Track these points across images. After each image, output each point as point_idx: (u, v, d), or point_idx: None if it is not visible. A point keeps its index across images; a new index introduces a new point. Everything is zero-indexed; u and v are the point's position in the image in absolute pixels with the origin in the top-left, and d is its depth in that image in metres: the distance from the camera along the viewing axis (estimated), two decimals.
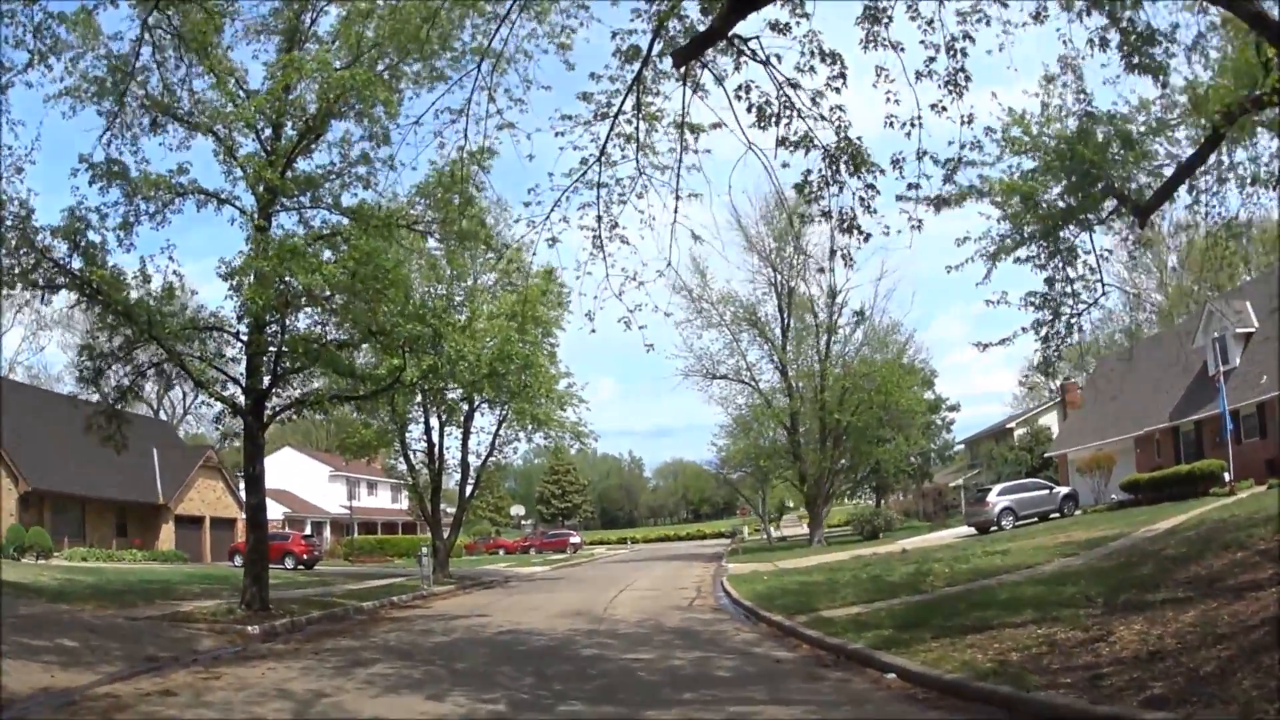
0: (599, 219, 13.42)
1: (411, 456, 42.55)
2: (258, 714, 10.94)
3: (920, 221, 13.14)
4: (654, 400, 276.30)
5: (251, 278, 20.14)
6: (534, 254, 14.01)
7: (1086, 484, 48.03)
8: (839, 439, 55.03)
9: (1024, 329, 17.96)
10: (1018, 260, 17.56)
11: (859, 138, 12.22)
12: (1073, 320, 17.73)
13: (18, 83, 15.19)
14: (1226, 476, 37.77)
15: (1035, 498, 45.60)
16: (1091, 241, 17.10)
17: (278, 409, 24.44)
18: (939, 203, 14.65)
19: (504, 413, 41.39)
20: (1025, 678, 9.73)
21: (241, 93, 21.47)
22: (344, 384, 24.66)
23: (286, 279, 20.12)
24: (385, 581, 38.19)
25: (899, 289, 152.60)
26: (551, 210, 13.24)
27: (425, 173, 23.47)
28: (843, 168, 12.32)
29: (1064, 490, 46.64)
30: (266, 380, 23.46)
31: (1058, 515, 44.77)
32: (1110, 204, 16.84)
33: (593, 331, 13.56)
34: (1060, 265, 17.39)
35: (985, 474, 60.16)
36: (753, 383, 58.89)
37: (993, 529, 43.43)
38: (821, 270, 50.77)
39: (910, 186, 12.93)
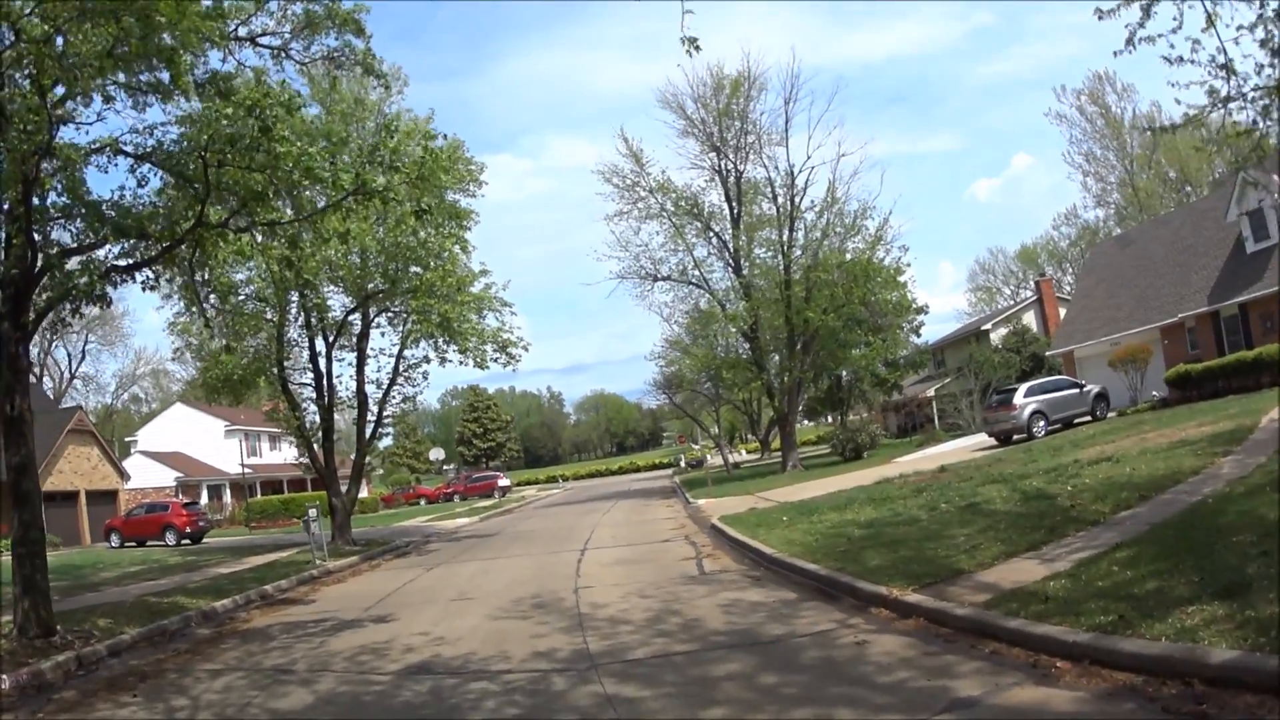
0: None
1: (297, 393, 33.13)
2: None
3: None
4: (567, 338, 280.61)
5: None
6: None
7: (1119, 381, 40.37)
8: (807, 344, 46.66)
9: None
10: None
11: None
12: None
13: None
14: None
15: (1066, 398, 37.89)
16: None
17: (45, 306, 15.28)
18: None
19: (406, 323, 31.77)
20: None
21: None
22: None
23: None
24: (270, 558, 29.48)
25: (862, 173, 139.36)
26: None
27: None
28: None
29: (1094, 389, 38.98)
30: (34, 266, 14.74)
31: (1088, 419, 37.63)
32: None
33: None
34: None
35: (973, 380, 52.06)
36: (703, 283, 50.19)
37: (1016, 438, 36.06)
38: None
39: None
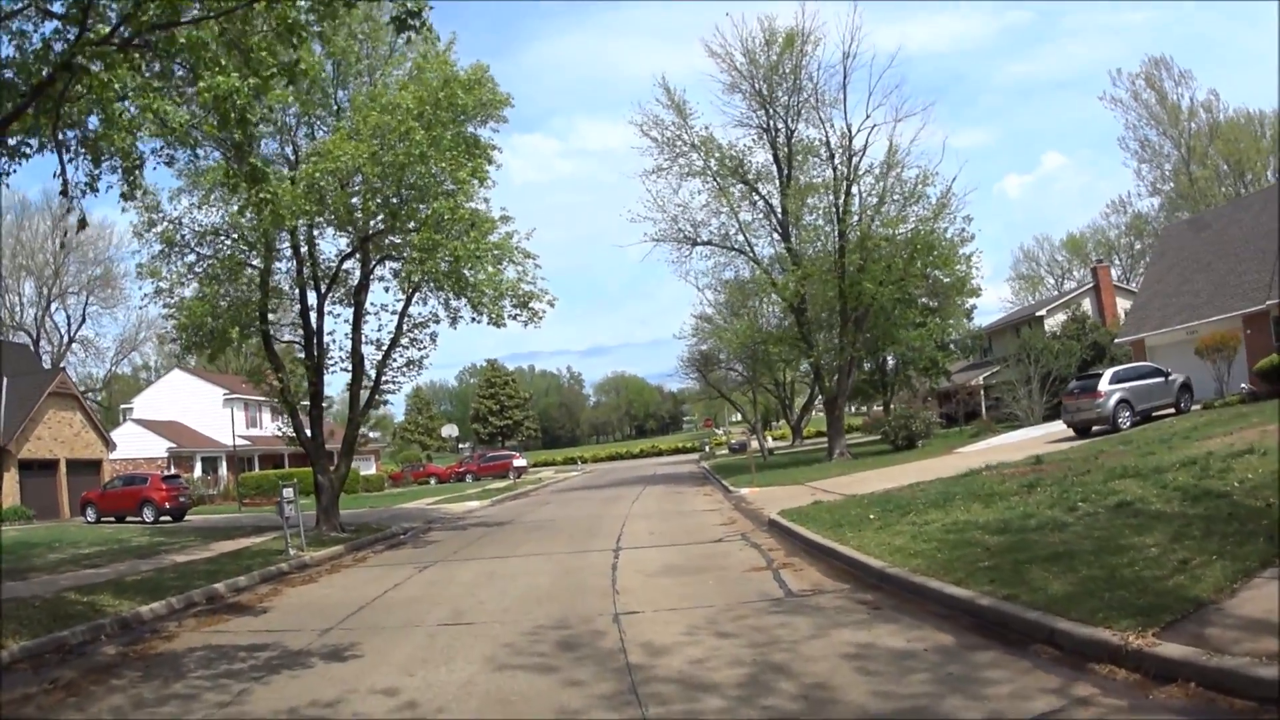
0: None
1: (283, 352, 28.58)
2: None
3: None
4: (589, 320, 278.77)
5: None
6: None
7: (1202, 371, 35.84)
8: (860, 320, 42.03)
9: None
10: None
11: None
12: None
13: None
14: None
15: (1151, 387, 33.75)
16: None
17: None
18: None
19: (409, 264, 26.74)
20: None
21: None
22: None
23: None
24: (243, 543, 25.28)
25: (923, 138, 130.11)
26: None
27: None
28: None
29: (1179, 378, 34.77)
30: None
31: (1171, 411, 33.51)
32: None
33: None
34: None
35: (1032, 368, 47.29)
36: (747, 248, 45.46)
37: (1096, 429, 31.78)
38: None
39: None
